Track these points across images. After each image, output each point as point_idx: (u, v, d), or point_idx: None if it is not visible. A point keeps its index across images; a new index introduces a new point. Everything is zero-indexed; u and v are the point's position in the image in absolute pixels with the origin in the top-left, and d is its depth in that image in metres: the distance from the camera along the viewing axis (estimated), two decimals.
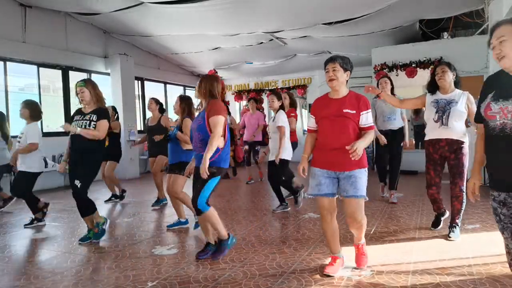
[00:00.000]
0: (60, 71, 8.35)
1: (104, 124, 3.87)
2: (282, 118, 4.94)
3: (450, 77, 3.65)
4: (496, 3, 5.75)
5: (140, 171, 9.79)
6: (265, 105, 11.78)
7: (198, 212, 3.22)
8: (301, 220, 4.57)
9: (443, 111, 3.65)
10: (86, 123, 3.85)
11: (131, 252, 3.59)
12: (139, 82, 10.51)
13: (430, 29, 8.54)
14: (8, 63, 7.35)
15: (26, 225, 4.69)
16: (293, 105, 6.20)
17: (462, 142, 3.66)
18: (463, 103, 3.62)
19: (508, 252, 1.98)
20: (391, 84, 5.38)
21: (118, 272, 3.09)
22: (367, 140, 2.73)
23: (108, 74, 9.27)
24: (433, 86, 3.77)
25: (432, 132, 3.74)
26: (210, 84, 3.29)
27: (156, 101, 5.74)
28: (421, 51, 8.23)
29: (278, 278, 2.84)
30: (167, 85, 11.60)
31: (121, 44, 9.61)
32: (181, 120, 4.36)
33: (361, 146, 2.63)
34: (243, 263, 3.16)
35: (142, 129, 10.38)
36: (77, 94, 3.93)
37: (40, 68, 7.94)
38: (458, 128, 3.65)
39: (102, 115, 3.89)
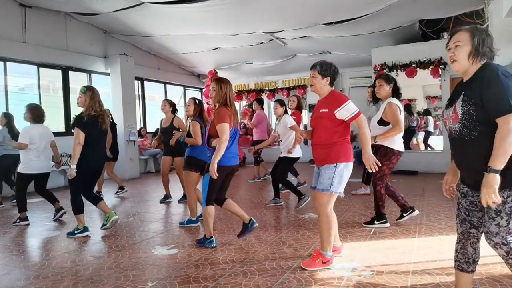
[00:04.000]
0: (60, 71, 8.35)
1: (75, 132, 4.07)
2: (289, 120, 5.28)
3: (385, 90, 4.08)
4: (496, 3, 5.74)
5: (140, 171, 9.78)
6: (265, 106, 11.77)
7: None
8: (301, 220, 4.57)
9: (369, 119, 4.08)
10: None
11: (131, 252, 3.59)
12: (139, 82, 10.50)
13: (430, 29, 8.53)
14: (8, 63, 7.34)
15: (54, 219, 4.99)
16: (299, 108, 6.33)
17: (381, 146, 4.01)
18: (381, 111, 4.04)
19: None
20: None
21: (118, 272, 3.09)
22: (365, 140, 2.91)
23: (108, 74, 9.26)
24: (375, 97, 4.35)
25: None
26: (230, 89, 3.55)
27: (170, 103, 5.98)
28: (421, 51, 8.22)
29: (278, 278, 2.84)
30: (167, 85, 11.59)
31: (121, 44, 9.60)
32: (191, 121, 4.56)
33: (368, 152, 2.86)
34: (243, 263, 3.16)
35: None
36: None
37: (40, 68, 7.94)
38: (377, 133, 4.05)
39: (74, 124, 4.14)
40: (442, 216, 4.49)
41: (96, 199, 4.33)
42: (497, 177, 1.75)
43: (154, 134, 9.92)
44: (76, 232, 4.18)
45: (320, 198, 2.97)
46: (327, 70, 3.00)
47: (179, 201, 5.97)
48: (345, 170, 2.94)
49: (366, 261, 3.10)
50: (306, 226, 4.29)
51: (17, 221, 4.83)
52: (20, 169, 4.81)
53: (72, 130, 4.13)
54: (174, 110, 5.97)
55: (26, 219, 4.85)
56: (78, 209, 4.20)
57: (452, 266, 2.94)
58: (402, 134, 4.06)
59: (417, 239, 3.68)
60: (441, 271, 2.86)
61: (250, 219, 3.68)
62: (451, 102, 2.00)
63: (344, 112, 2.89)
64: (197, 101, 4.70)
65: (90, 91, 4.15)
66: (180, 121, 5.84)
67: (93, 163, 4.18)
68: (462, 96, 1.90)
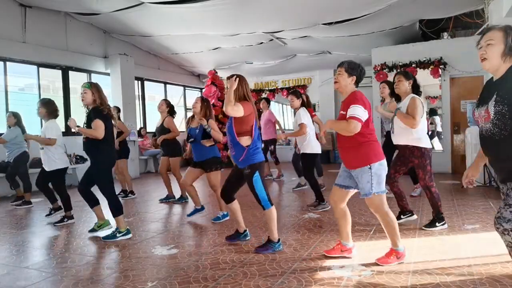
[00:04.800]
0: (60, 71, 8.36)
1: (96, 124, 3.87)
2: (304, 115, 5.08)
3: (405, 86, 3.92)
4: (496, 3, 5.75)
5: (140, 171, 9.79)
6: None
7: (263, 208, 3.45)
8: (301, 220, 4.57)
9: (393, 119, 3.96)
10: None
11: (131, 252, 3.58)
12: (139, 82, 10.50)
13: (430, 29, 8.54)
14: (8, 63, 7.34)
15: (47, 215, 4.96)
16: (309, 105, 6.17)
17: (412, 147, 3.86)
18: (405, 108, 3.84)
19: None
20: (390, 88, 5.45)
21: (118, 272, 3.09)
22: (336, 125, 3.01)
23: (108, 74, 9.27)
24: (395, 95, 4.09)
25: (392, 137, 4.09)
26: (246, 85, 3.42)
27: (167, 104, 5.94)
28: (421, 51, 8.22)
29: (278, 278, 2.84)
30: (167, 85, 11.59)
31: (121, 44, 9.61)
32: (206, 121, 4.57)
33: (331, 122, 3.07)
34: (243, 263, 3.16)
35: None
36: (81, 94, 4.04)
37: (40, 68, 7.94)
38: (403, 133, 3.88)
39: (93, 115, 3.92)
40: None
41: (93, 202, 4.25)
42: None
43: (154, 134, 9.93)
44: (118, 235, 3.96)
45: (372, 203, 2.96)
46: (354, 69, 2.98)
47: (174, 202, 5.95)
48: (380, 169, 2.93)
49: (366, 261, 3.10)
50: (306, 226, 4.29)
51: (64, 220, 4.75)
52: (55, 165, 4.69)
53: (83, 127, 3.94)
54: (171, 112, 5.90)
55: (72, 217, 4.82)
56: (117, 211, 4.01)
57: (452, 266, 2.96)
58: (426, 131, 3.98)
59: (417, 239, 3.68)
60: (441, 271, 2.86)
61: (245, 230, 3.79)
62: (482, 101, 1.99)
63: (351, 110, 2.86)
64: (204, 99, 4.74)
65: (95, 85, 4.05)
66: (171, 122, 5.80)
67: (112, 159, 4.10)
68: (495, 96, 1.90)
